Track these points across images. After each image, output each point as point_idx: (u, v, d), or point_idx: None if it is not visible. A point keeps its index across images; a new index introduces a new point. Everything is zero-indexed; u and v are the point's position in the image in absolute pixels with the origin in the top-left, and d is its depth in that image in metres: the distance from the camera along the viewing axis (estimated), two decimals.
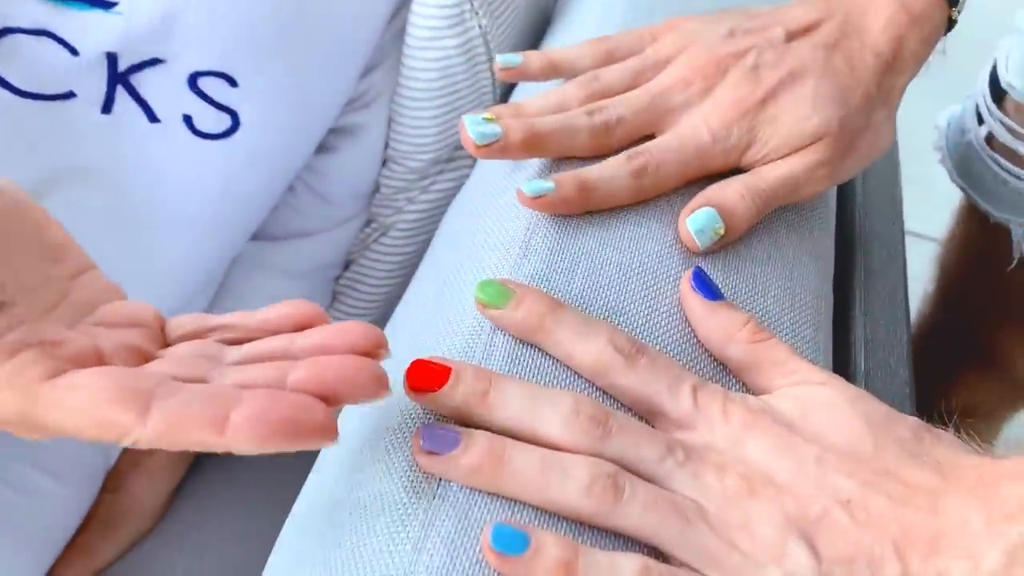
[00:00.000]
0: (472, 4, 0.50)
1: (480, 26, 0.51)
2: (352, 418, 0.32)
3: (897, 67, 0.40)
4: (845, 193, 0.49)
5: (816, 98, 0.38)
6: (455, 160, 0.56)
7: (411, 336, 0.35)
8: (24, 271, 0.26)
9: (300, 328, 0.26)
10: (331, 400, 0.23)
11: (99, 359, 0.25)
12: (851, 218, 0.48)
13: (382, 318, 0.48)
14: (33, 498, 0.55)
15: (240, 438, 0.22)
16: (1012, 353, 0.71)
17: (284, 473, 0.42)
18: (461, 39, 0.51)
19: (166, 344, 0.27)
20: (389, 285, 0.61)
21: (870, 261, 0.45)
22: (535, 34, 0.56)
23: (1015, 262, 0.61)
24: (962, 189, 0.66)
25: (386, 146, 0.56)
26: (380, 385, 0.24)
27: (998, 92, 0.61)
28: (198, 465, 0.62)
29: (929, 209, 0.78)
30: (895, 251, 0.46)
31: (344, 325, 0.26)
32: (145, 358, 0.26)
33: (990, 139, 0.62)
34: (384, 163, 0.57)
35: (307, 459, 0.37)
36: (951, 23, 0.41)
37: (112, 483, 0.59)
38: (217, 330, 0.27)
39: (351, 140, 0.56)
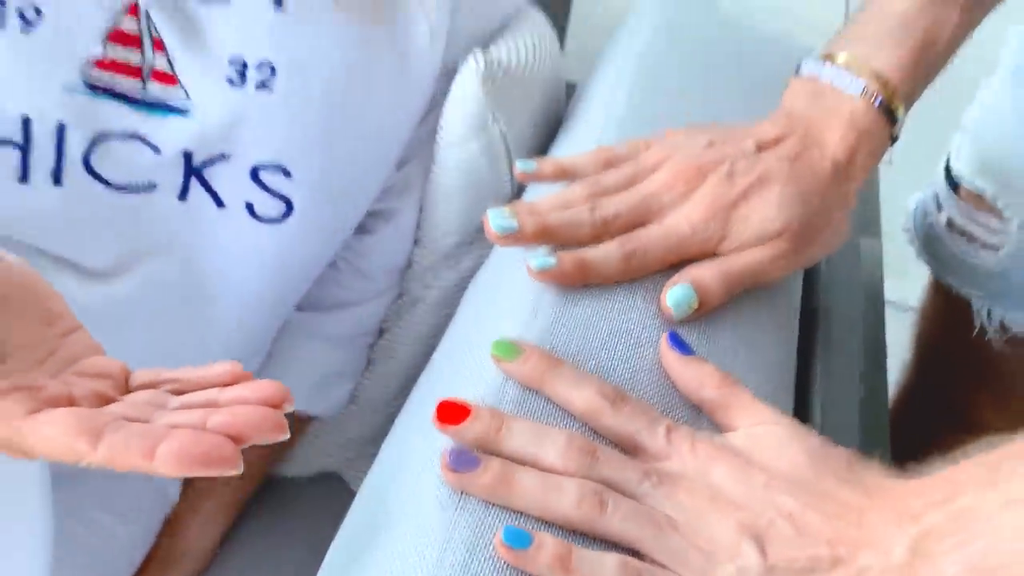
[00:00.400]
0: (493, 113, 0.59)
1: (501, 131, 0.60)
2: (391, 447, 0.40)
3: (850, 175, 0.48)
4: (811, 272, 0.57)
5: (781, 201, 0.46)
6: (476, 242, 0.65)
7: (440, 382, 0.42)
8: (23, 332, 0.35)
9: (229, 384, 0.34)
10: (239, 440, 0.30)
11: (70, 401, 0.32)
12: (815, 294, 0.56)
13: (413, 377, 0.55)
14: (101, 536, 0.63)
15: (164, 465, 0.29)
16: (988, 418, 0.77)
17: (324, 519, 0.49)
18: (484, 142, 0.60)
19: (127, 391, 0.35)
20: (419, 349, 0.68)
21: (830, 332, 0.52)
22: (548, 136, 0.65)
23: (977, 331, 0.69)
24: (929, 265, 0.74)
25: (417, 228, 0.65)
26: (279, 430, 0.31)
27: (953, 182, 0.69)
28: (246, 513, 0.69)
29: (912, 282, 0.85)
30: (855, 324, 0.53)
31: (259, 383, 0.33)
32: (106, 401, 0.33)
33: (949, 222, 0.70)
34: (415, 243, 0.66)
35: (347, 503, 0.44)
36: (894, 139, 0.50)
37: (170, 527, 0.67)
38: (167, 382, 0.35)
39: (386, 223, 0.65)
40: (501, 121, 0.59)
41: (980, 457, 0.34)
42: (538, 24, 0.66)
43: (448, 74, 0.60)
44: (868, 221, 0.73)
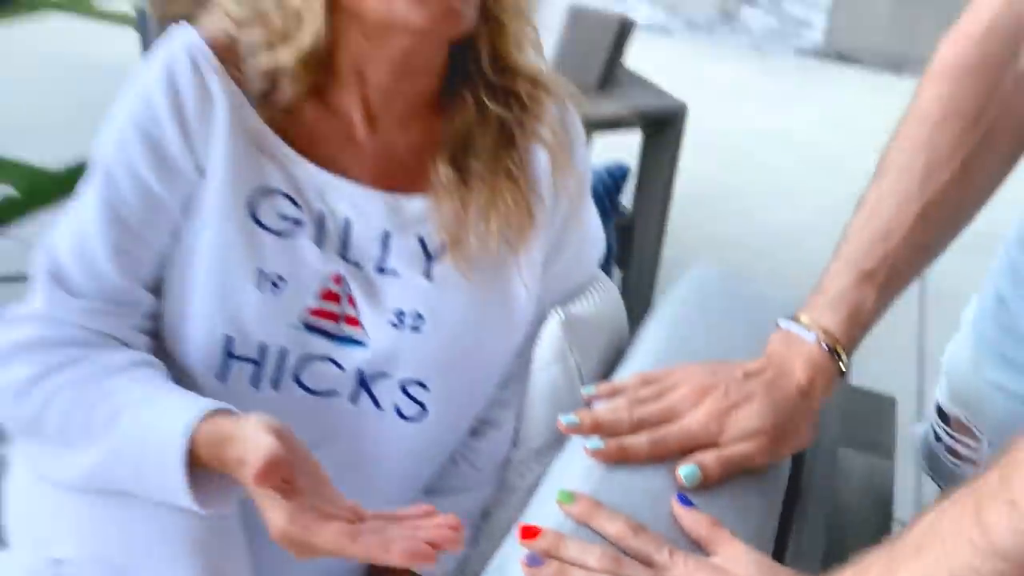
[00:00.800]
0: (570, 348, 0.83)
1: (576, 361, 0.84)
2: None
3: (811, 396, 0.69)
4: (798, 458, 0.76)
5: (760, 411, 0.67)
6: (559, 442, 0.86)
7: (528, 516, 0.64)
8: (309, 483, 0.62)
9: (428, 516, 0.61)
10: (436, 546, 0.56)
11: (332, 518, 0.59)
12: (800, 475, 0.75)
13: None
14: None
15: (396, 557, 0.54)
16: None
17: None
18: (563, 368, 0.84)
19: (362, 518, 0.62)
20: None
21: (805, 507, 0.71)
22: (613, 364, 0.88)
23: None
24: (932, 479, 0.91)
25: (515, 432, 0.88)
26: (457, 544, 0.58)
27: (943, 415, 0.87)
28: None
29: None
30: (827, 504, 0.71)
31: (446, 516, 0.60)
32: (352, 522, 0.60)
33: (942, 443, 0.88)
34: (513, 444, 0.88)
35: None
36: (843, 372, 0.70)
37: None
38: (387, 516, 0.61)
39: (492, 428, 0.88)
40: (576, 354, 0.83)
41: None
42: (607, 288, 0.92)
43: (539, 322, 0.85)
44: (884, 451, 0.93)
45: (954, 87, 0.68)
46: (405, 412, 0.80)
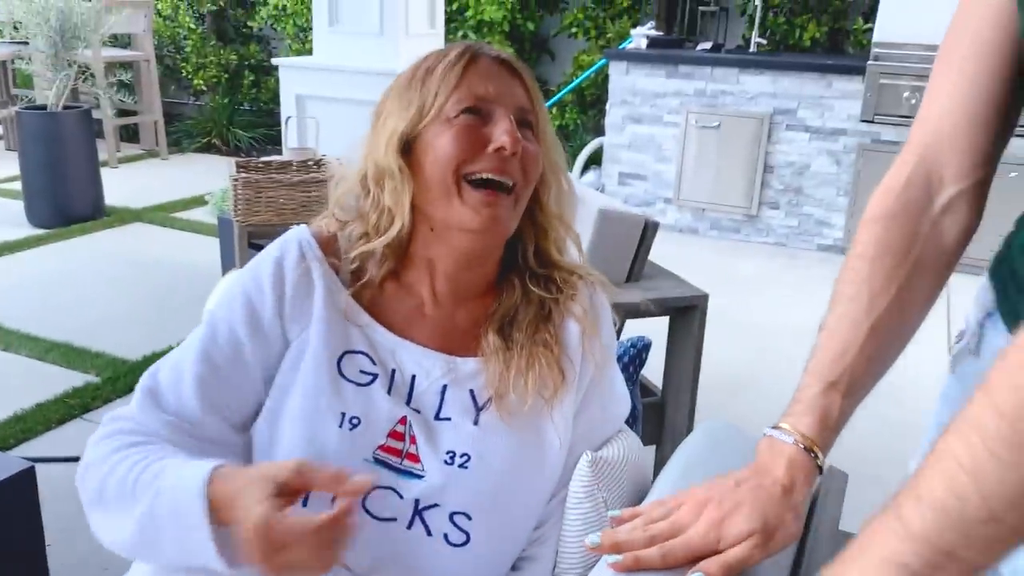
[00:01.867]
0: (598, 486, 0.98)
1: (603, 498, 0.98)
2: None
3: (794, 492, 0.81)
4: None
5: (750, 515, 0.80)
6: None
7: None
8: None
9: None
10: None
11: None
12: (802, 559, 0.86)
13: None
14: None
15: None
16: None
17: None
18: (592, 505, 0.98)
19: None
20: None
21: None
22: (637, 502, 1.02)
23: None
24: None
25: (554, 567, 1.01)
26: None
27: None
28: None
29: None
30: None
31: None
32: None
33: None
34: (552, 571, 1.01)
35: None
36: (821, 470, 0.83)
37: None
38: None
39: (532, 563, 1.01)
40: (602, 488, 0.98)
41: None
42: (631, 438, 1.08)
43: (572, 464, 1.01)
44: None
45: (884, 231, 0.84)
46: (452, 539, 0.94)
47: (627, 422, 1.14)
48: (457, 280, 1.02)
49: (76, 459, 0.93)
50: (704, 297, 2.24)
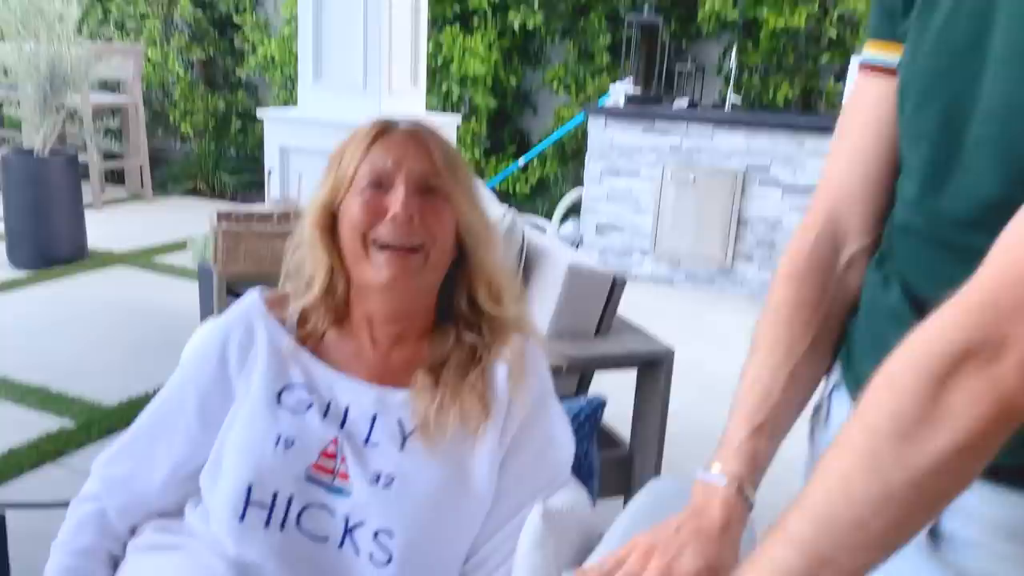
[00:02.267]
0: (547, 536, 1.03)
1: (553, 548, 1.03)
2: None
3: (731, 530, 0.84)
4: None
5: (693, 557, 0.82)
6: None
7: None
8: None
9: None
10: None
11: None
12: None
13: None
14: None
15: None
16: None
17: None
18: (542, 555, 1.03)
19: None
20: None
21: None
22: (586, 550, 1.07)
23: None
24: None
25: None
26: None
27: None
28: None
29: None
30: None
31: None
32: None
33: None
34: None
35: None
36: (750, 506, 0.86)
37: None
38: None
39: None
40: (552, 543, 1.03)
41: None
42: (580, 492, 1.13)
43: (514, 509, 1.06)
44: None
45: (797, 286, 0.92)
46: (375, 558, 1.01)
47: (584, 477, 1.20)
48: (391, 329, 1.13)
49: (47, 505, 0.97)
50: (670, 353, 2.30)
